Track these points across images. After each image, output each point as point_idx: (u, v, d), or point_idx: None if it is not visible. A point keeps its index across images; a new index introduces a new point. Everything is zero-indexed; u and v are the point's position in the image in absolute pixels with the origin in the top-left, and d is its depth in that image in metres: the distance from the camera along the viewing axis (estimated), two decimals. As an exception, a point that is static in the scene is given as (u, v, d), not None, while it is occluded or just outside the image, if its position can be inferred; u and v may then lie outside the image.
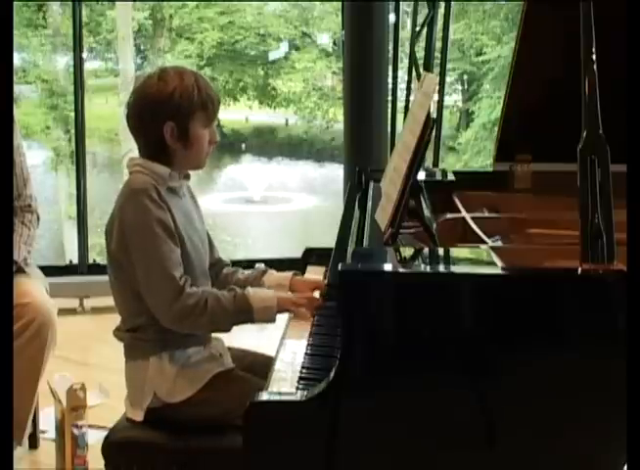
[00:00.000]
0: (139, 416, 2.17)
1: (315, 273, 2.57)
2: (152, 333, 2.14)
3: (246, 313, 2.10)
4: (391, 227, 1.99)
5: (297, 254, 2.78)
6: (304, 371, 1.96)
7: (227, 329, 2.14)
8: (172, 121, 2.11)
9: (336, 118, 12.21)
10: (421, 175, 2.80)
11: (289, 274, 2.34)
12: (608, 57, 1.86)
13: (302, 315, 2.18)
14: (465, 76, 12.95)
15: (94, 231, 5.64)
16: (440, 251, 2.05)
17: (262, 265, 4.91)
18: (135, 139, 2.20)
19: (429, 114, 1.97)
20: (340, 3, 5.89)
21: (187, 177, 2.26)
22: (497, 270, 1.78)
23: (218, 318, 2.08)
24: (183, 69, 2.18)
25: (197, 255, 2.20)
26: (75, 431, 2.80)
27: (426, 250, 2.01)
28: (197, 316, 2.06)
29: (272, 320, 2.13)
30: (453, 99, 12.78)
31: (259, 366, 2.25)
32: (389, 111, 5.66)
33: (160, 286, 2.06)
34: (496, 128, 2.86)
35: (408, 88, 5.67)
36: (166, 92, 2.11)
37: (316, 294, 2.25)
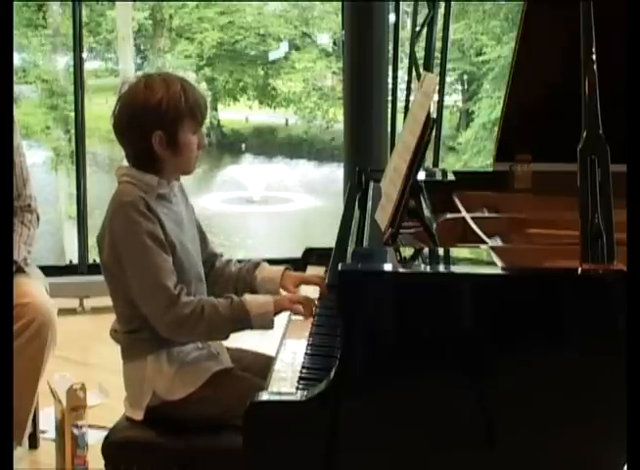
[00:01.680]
0: (139, 416, 2.17)
1: (315, 273, 2.57)
2: (148, 332, 2.14)
3: (243, 320, 2.09)
4: (391, 227, 1.99)
5: (297, 254, 2.78)
6: (304, 371, 1.96)
7: (225, 337, 2.15)
8: (160, 130, 2.10)
9: (336, 118, 12.21)
10: (421, 175, 2.79)
11: (281, 268, 2.34)
12: (608, 57, 1.86)
13: (301, 312, 2.18)
14: (465, 76, 12.94)
15: (94, 231, 5.64)
16: (440, 251, 2.05)
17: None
18: (123, 147, 2.18)
19: (429, 114, 1.97)
20: (340, 3, 5.89)
21: (177, 178, 2.25)
22: (497, 270, 1.78)
23: (215, 326, 2.08)
24: (168, 75, 2.16)
25: (189, 259, 2.19)
26: (75, 431, 2.80)
27: (426, 250, 2.01)
28: (193, 325, 2.06)
29: (270, 327, 2.12)
30: (453, 99, 12.78)
31: (259, 366, 2.25)
32: (389, 111, 5.65)
33: (155, 297, 2.06)
34: (496, 128, 2.85)
35: (408, 88, 5.67)
36: (153, 101, 2.09)
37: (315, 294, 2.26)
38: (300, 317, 2.24)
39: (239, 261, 2.41)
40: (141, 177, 2.14)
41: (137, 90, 2.12)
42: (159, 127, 2.10)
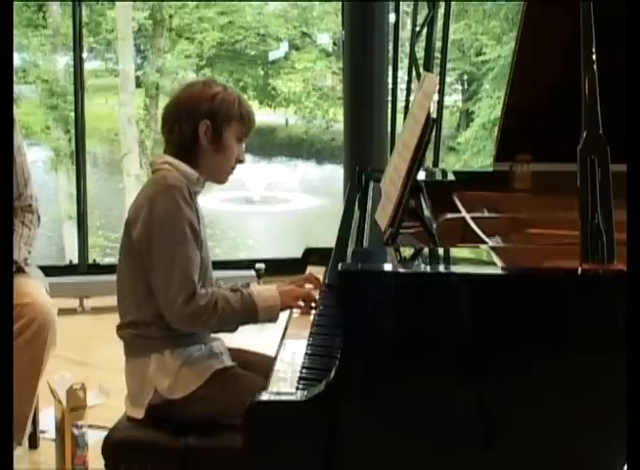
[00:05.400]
0: (140, 414, 2.17)
1: (315, 273, 2.57)
2: (154, 330, 2.16)
3: (251, 314, 2.16)
4: (391, 227, 1.99)
5: (297, 254, 2.78)
6: (304, 371, 1.96)
7: (233, 329, 2.18)
8: (209, 120, 2.17)
9: (336, 118, 12.20)
10: (421, 175, 2.80)
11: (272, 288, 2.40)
12: (608, 57, 1.86)
13: (303, 308, 2.26)
14: (465, 76, 12.94)
15: (94, 231, 5.65)
16: (440, 251, 2.05)
17: (262, 265, 4.95)
18: (167, 137, 2.24)
19: (429, 114, 1.97)
20: (340, 3, 5.89)
21: (202, 185, 2.31)
22: (497, 270, 1.78)
23: (226, 319, 2.13)
24: (229, 86, 2.29)
25: (207, 259, 2.25)
26: (75, 431, 2.80)
27: (426, 250, 2.01)
28: (207, 317, 2.10)
29: (274, 320, 2.19)
30: (453, 99, 12.77)
31: (259, 366, 2.26)
32: (389, 111, 5.66)
33: (179, 285, 2.08)
34: (496, 128, 2.85)
35: (408, 88, 5.67)
36: (210, 94, 2.19)
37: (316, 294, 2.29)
38: (301, 313, 2.27)
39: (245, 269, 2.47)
40: (183, 168, 2.20)
41: (196, 85, 2.24)
42: (208, 117, 2.17)
